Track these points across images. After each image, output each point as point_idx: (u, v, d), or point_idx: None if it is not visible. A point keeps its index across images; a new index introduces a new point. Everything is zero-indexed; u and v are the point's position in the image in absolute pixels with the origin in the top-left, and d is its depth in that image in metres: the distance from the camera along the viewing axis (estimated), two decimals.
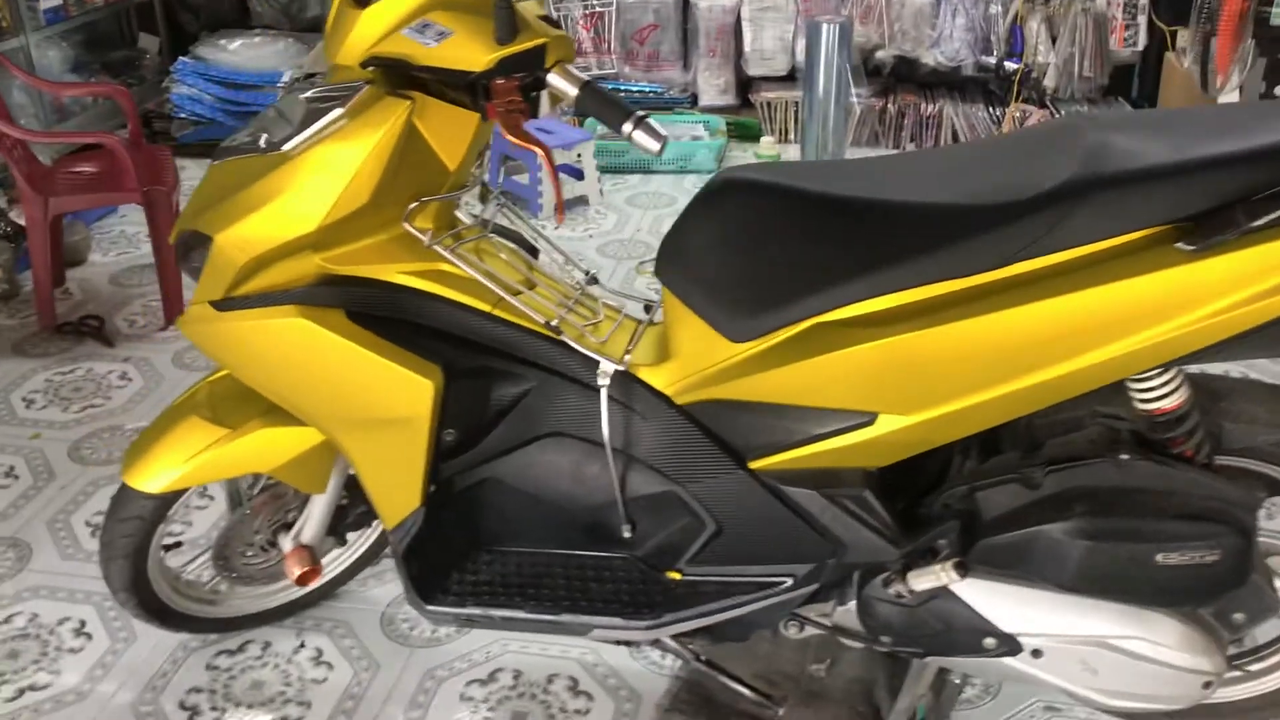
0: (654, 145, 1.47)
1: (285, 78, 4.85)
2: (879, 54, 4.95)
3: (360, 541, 2.21)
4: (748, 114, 5.10)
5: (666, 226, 3.74)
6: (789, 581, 1.68)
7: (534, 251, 1.88)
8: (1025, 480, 1.59)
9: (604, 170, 4.47)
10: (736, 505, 1.68)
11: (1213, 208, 1.38)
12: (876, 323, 1.52)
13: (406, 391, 1.65)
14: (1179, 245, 1.39)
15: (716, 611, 1.71)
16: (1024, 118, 4.79)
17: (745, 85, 5.16)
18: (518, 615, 1.77)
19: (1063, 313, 1.44)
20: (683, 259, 1.66)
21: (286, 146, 1.59)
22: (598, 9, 5.13)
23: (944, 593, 1.62)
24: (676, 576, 1.74)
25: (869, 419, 1.56)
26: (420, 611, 1.82)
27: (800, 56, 4.81)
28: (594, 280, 1.88)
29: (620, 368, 1.67)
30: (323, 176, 1.57)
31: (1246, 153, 1.36)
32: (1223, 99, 3.05)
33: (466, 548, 1.85)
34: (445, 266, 1.69)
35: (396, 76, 1.60)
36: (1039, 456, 1.60)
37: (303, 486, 1.89)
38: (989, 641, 1.65)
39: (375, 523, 2.15)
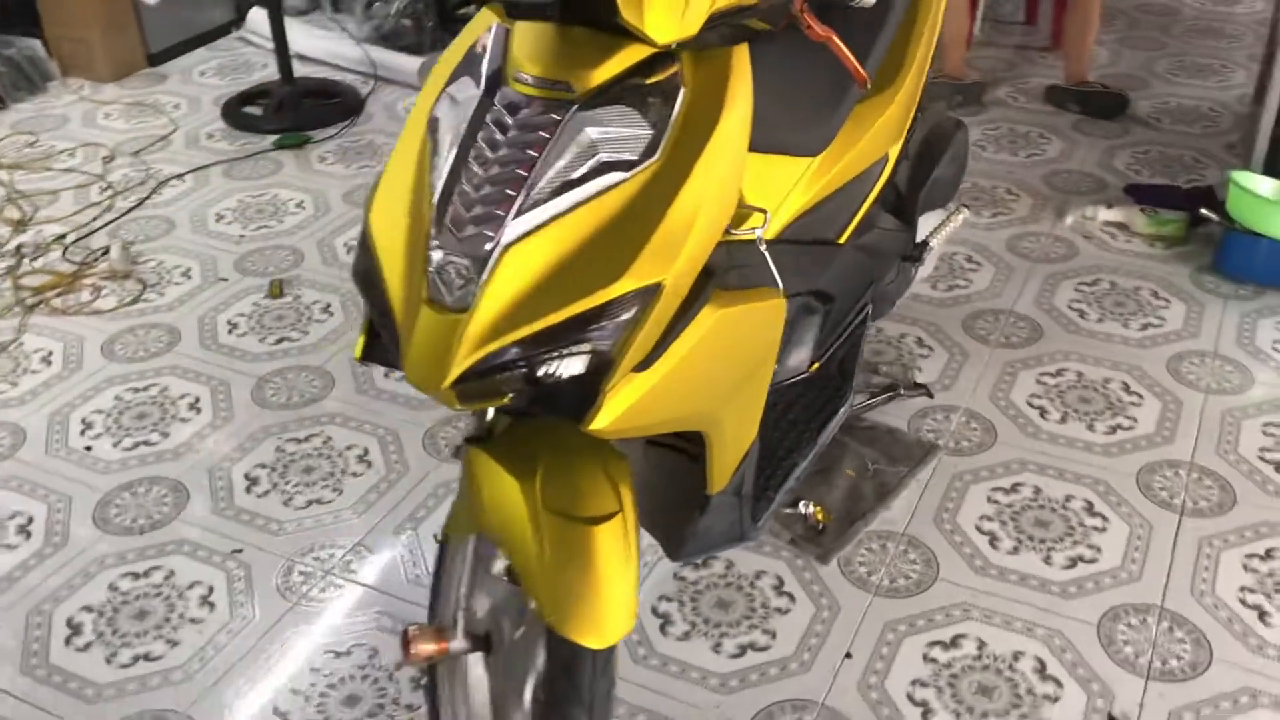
0: None
1: None
2: None
3: None
4: None
5: None
6: (870, 304, 2.14)
7: None
8: (904, 155, 2.20)
9: None
10: (841, 278, 1.98)
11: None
12: (884, 86, 2.04)
13: (777, 319, 1.61)
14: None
15: (859, 352, 2.13)
16: None
17: None
18: (807, 461, 1.96)
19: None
20: None
21: (659, 151, 1.35)
22: None
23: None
24: (816, 366, 1.96)
25: (886, 157, 2.07)
26: (752, 537, 1.83)
27: None
28: None
29: (763, 230, 1.61)
30: (733, 148, 1.41)
31: None
32: None
33: None
34: None
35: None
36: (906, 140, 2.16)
37: None
38: (920, 269, 2.35)
39: None
